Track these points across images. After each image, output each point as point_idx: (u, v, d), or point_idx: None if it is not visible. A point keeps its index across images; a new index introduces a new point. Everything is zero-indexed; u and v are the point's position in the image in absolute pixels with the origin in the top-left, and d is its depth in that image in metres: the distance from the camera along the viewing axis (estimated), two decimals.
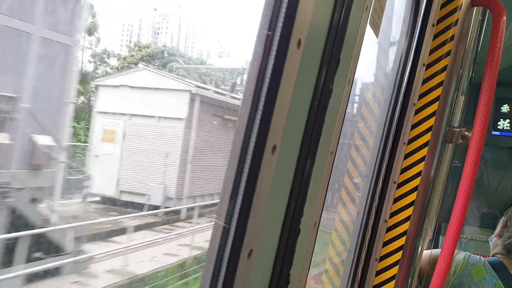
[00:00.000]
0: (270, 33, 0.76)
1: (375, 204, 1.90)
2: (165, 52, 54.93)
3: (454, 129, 2.04)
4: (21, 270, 9.69)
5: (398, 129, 1.90)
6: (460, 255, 2.46)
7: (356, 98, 2.85)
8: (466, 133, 2.02)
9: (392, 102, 1.88)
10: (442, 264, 1.83)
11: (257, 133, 0.78)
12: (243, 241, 0.79)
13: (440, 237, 3.91)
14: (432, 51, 1.91)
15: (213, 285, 0.78)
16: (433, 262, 2.19)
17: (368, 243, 1.91)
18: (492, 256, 2.52)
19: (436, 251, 2.30)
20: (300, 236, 1.01)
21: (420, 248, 2.06)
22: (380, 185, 1.89)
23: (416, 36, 1.89)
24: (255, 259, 0.83)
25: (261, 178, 0.79)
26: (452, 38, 1.88)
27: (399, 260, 1.92)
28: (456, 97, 2.04)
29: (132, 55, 47.79)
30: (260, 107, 0.77)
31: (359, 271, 1.90)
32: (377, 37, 1.37)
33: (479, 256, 2.47)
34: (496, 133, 4.34)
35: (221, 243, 0.78)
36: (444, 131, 1.97)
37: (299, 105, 0.88)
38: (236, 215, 0.78)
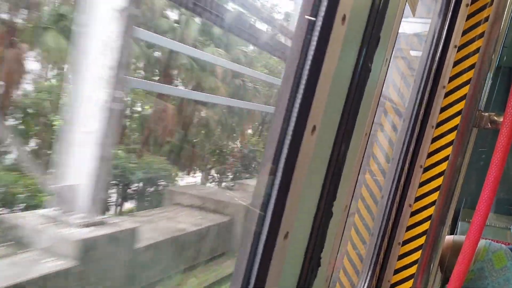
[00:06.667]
0: (316, 4, 0.72)
1: (400, 188, 1.86)
2: None
3: (483, 113, 1.99)
4: None
5: (426, 112, 1.85)
6: (480, 243, 2.42)
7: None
8: (496, 118, 1.97)
9: (422, 84, 1.83)
10: (466, 251, 1.79)
11: (298, 112, 0.75)
12: (281, 222, 0.77)
13: (459, 222, 3.86)
14: (464, 32, 1.84)
15: (249, 264, 0.76)
16: (455, 248, 2.16)
17: (391, 227, 1.89)
18: None
19: (459, 237, 2.27)
20: (332, 220, 0.99)
21: (443, 233, 2.03)
22: (406, 169, 1.86)
23: (449, 17, 1.83)
24: (291, 241, 0.81)
25: (300, 159, 0.77)
26: (486, 19, 1.81)
27: (422, 245, 1.89)
28: (486, 81, 1.98)
29: None
30: (302, 85, 0.74)
31: (382, 255, 1.88)
32: (413, 15, 1.32)
33: (499, 243, 2.43)
34: None
35: (258, 223, 0.76)
36: (474, 115, 1.92)
37: (339, 84, 0.85)
38: (274, 195, 0.76)
